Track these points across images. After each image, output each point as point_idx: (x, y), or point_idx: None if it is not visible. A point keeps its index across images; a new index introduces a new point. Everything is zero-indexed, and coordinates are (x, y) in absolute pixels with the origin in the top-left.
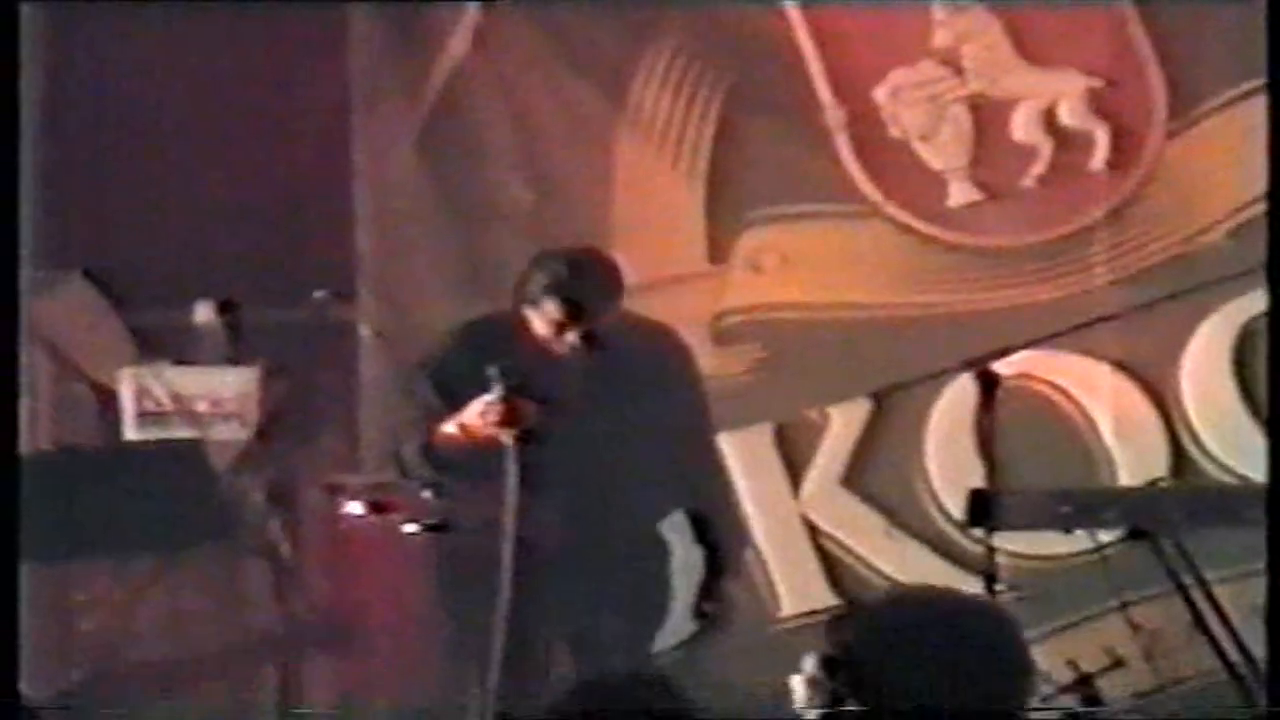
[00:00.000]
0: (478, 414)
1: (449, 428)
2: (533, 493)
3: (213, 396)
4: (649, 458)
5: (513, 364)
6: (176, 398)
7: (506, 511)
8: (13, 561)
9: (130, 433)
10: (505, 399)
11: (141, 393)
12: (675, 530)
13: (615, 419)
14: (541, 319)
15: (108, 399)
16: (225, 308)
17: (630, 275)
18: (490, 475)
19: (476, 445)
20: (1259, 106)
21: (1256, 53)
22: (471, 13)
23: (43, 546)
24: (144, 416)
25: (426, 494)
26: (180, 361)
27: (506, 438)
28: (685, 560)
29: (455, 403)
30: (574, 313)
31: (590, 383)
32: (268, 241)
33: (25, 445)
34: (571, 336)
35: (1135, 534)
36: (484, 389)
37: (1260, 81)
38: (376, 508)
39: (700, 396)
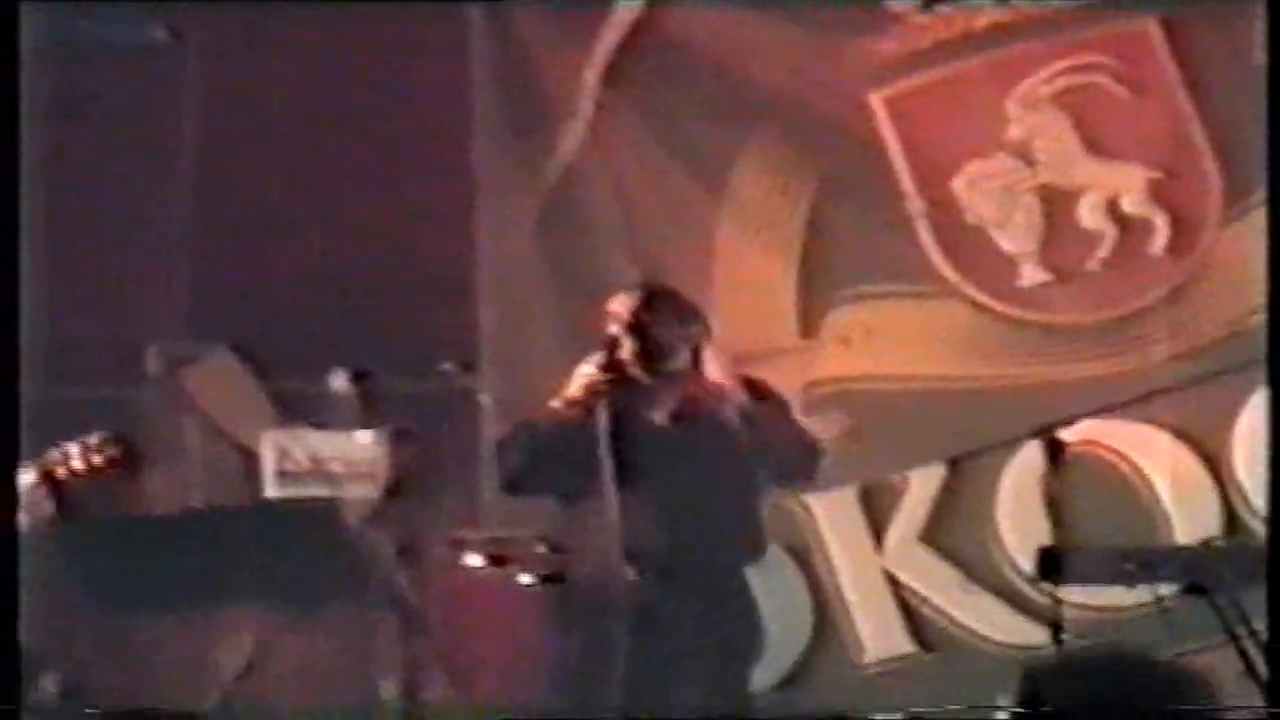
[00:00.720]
0: (579, 381)
1: (554, 403)
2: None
3: (346, 458)
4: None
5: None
6: (313, 459)
7: (605, 486)
8: (13, 565)
9: (271, 491)
10: (607, 357)
11: (282, 454)
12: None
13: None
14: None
15: (251, 460)
16: (358, 377)
17: (728, 348)
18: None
19: (577, 418)
20: None
21: None
22: (586, 106)
23: (189, 598)
24: (284, 476)
25: (540, 544)
26: (317, 426)
27: (602, 404)
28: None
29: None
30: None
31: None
32: (398, 315)
33: (175, 505)
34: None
35: (1192, 589)
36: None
37: None
38: (495, 560)
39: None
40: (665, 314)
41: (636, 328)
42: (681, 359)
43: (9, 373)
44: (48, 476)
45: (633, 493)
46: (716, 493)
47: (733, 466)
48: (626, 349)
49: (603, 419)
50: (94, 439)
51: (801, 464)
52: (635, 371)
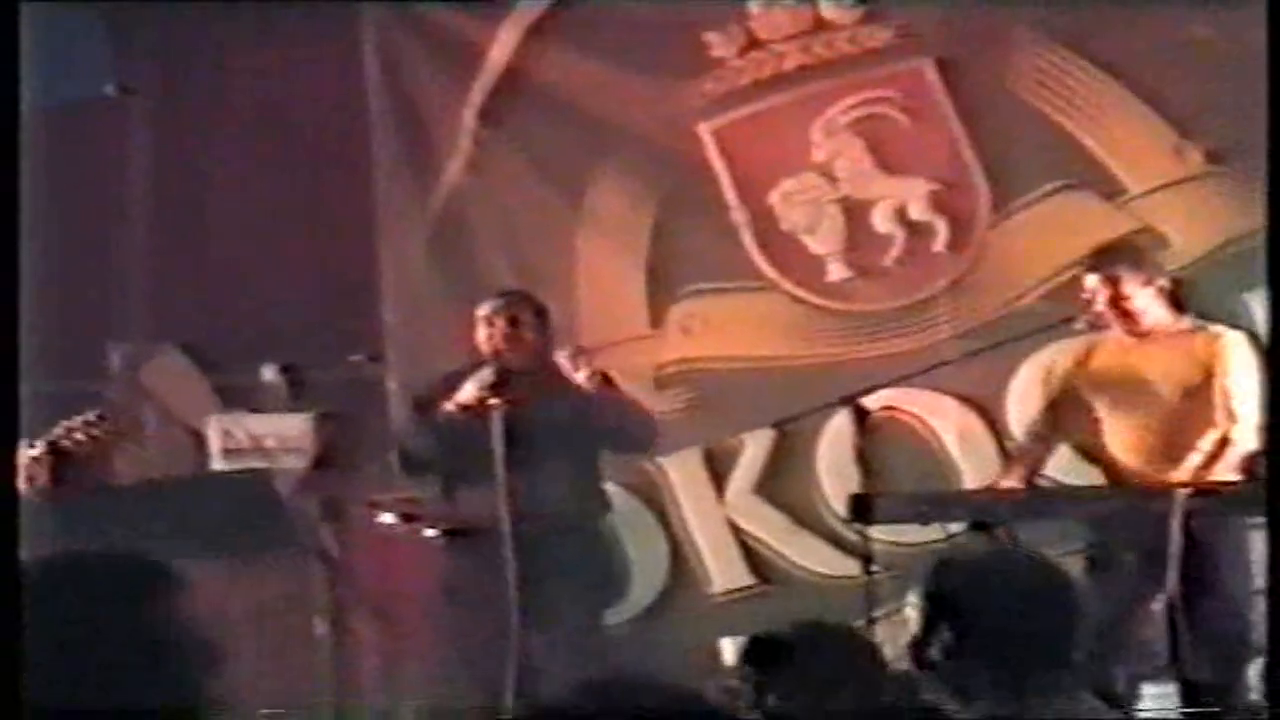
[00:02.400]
0: (475, 387)
1: (448, 406)
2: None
3: (278, 436)
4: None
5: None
6: (251, 438)
7: (497, 473)
8: (13, 564)
9: (216, 465)
10: (493, 371)
11: (225, 434)
12: None
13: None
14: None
15: (199, 440)
16: (285, 369)
17: (591, 337)
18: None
19: (472, 415)
20: (1058, 202)
21: (1055, 161)
22: (466, 139)
23: (151, 554)
24: (227, 453)
25: (441, 503)
26: (253, 410)
27: (496, 403)
28: None
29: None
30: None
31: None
32: (316, 317)
33: (134, 478)
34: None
35: (976, 525)
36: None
37: (1058, 183)
38: (406, 518)
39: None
40: (529, 316)
41: (511, 335)
42: (537, 353)
43: (9, 373)
44: (53, 448)
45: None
46: (570, 462)
47: (583, 441)
48: (509, 363)
49: (497, 424)
50: (93, 415)
51: (639, 437)
52: (514, 383)
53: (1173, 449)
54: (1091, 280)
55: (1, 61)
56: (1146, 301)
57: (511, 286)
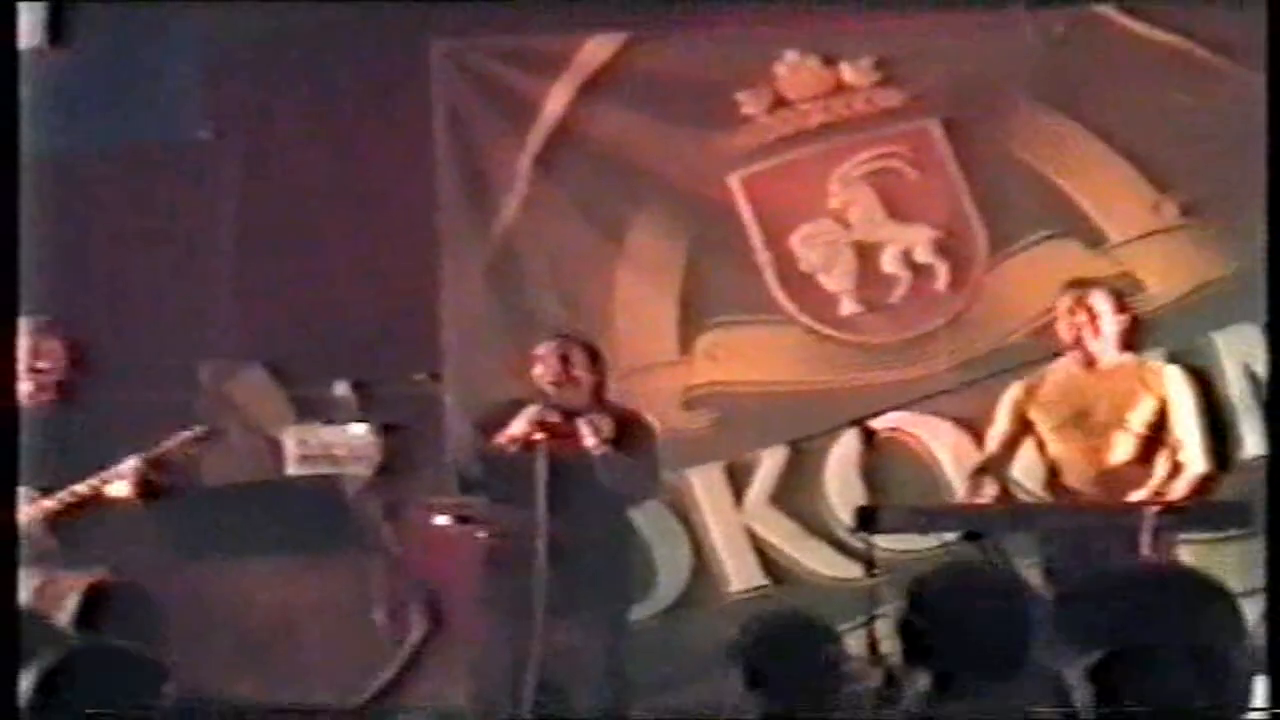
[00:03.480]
0: (524, 422)
1: (500, 439)
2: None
3: (347, 445)
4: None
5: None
6: (323, 446)
7: (538, 502)
8: (12, 565)
9: (292, 470)
10: (542, 411)
11: (300, 443)
12: None
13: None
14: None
15: (276, 447)
16: (355, 385)
17: (630, 361)
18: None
19: (519, 448)
20: (1047, 249)
21: (1045, 212)
22: (521, 183)
23: (234, 549)
24: (302, 459)
25: (490, 509)
26: (326, 421)
27: (539, 437)
28: None
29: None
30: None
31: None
32: (383, 339)
33: (219, 481)
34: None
35: (968, 536)
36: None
37: (1047, 232)
38: (460, 520)
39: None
40: (581, 356)
41: (563, 374)
42: (589, 391)
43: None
44: (156, 460)
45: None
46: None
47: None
48: (561, 400)
49: (541, 461)
50: (198, 429)
51: (642, 484)
52: (558, 421)
53: (1115, 471)
54: (1066, 300)
55: (2, 62)
56: (1111, 329)
57: (565, 327)
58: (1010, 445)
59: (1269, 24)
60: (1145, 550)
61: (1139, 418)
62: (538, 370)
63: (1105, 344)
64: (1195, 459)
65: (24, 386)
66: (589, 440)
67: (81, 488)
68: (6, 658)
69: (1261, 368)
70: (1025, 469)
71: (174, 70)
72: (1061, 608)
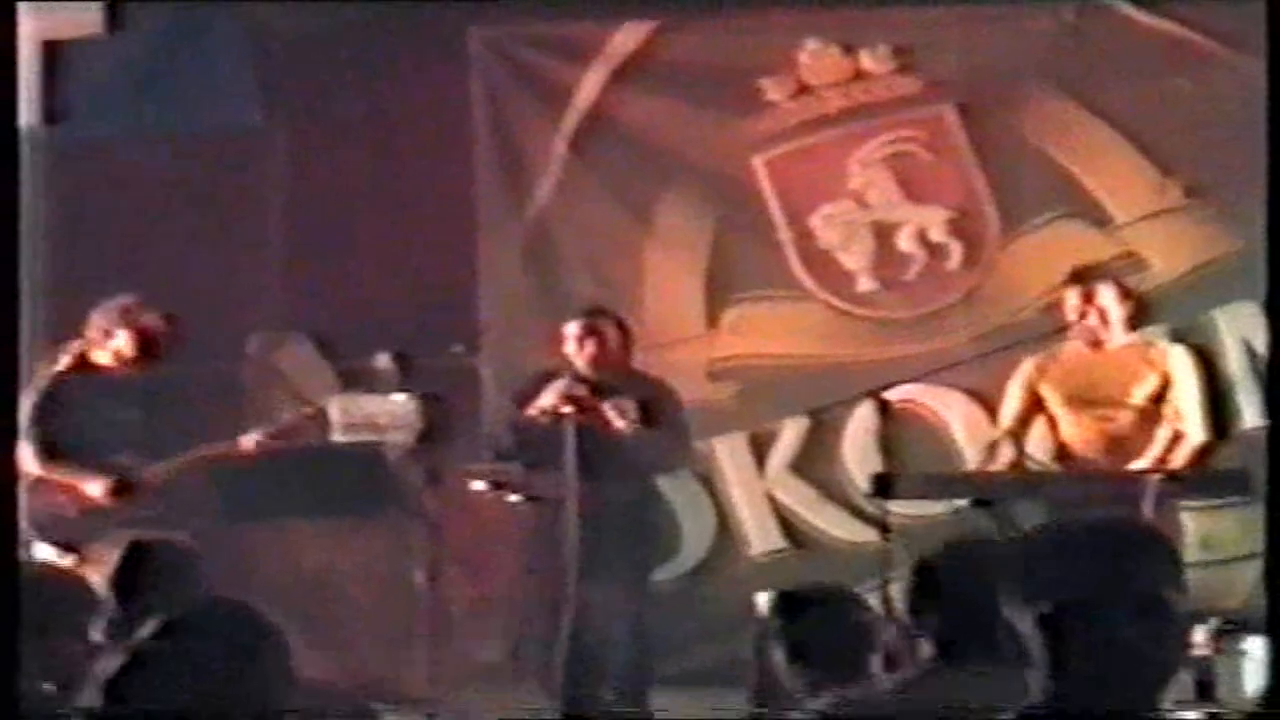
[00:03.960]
0: (554, 394)
1: (531, 411)
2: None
3: (389, 414)
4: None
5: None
6: (366, 416)
7: (567, 471)
8: (13, 564)
9: (337, 438)
10: (569, 385)
11: (344, 412)
12: None
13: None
14: (574, 344)
15: (322, 417)
16: (397, 357)
17: (658, 335)
18: (546, 459)
19: (549, 421)
20: (1056, 229)
21: (1054, 194)
22: (556, 165)
23: (283, 512)
24: (346, 428)
25: (524, 475)
26: (368, 391)
27: (568, 410)
28: None
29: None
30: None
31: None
32: (423, 313)
33: (262, 446)
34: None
35: (977, 502)
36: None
37: (1057, 212)
38: (495, 485)
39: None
40: (611, 330)
41: (594, 348)
42: (619, 362)
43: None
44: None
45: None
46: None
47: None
48: (583, 374)
49: (570, 433)
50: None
51: (671, 455)
52: (584, 393)
53: (1121, 443)
54: (1073, 295)
55: (2, 62)
56: (1117, 317)
57: (594, 301)
58: (1023, 420)
59: (1268, 11)
60: (1147, 515)
61: (1143, 393)
62: (568, 345)
63: (1112, 329)
64: (1195, 430)
65: (110, 360)
66: (617, 423)
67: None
68: (7, 657)
69: (1260, 343)
70: (1035, 442)
71: (227, 60)
72: (1018, 561)
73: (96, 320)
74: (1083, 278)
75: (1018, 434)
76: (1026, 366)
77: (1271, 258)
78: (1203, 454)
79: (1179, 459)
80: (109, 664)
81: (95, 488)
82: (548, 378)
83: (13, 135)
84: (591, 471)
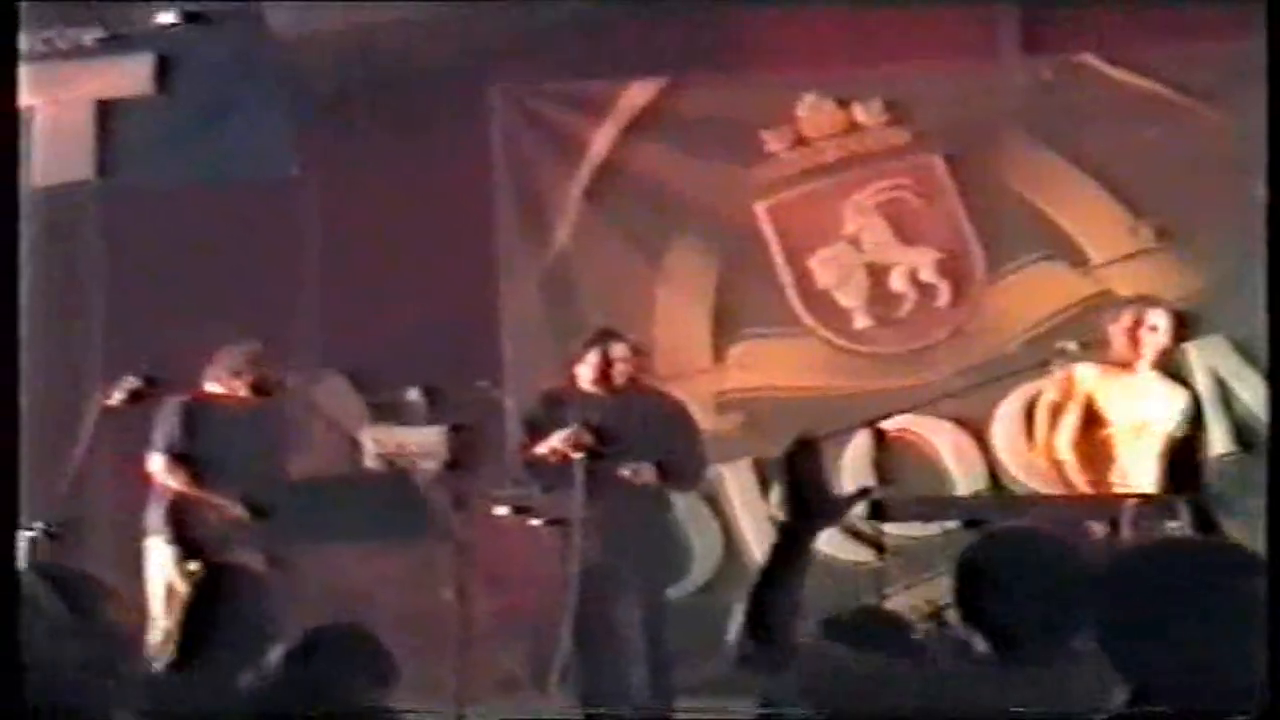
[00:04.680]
0: (561, 440)
1: (542, 449)
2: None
3: (419, 444)
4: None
5: (578, 411)
6: (398, 445)
7: (574, 509)
8: (12, 566)
9: (369, 465)
10: (576, 432)
11: (376, 442)
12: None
13: (640, 441)
14: (586, 367)
15: (356, 446)
16: (426, 391)
17: (668, 369)
18: (565, 483)
19: (559, 461)
20: (1037, 270)
21: (1036, 237)
22: (572, 210)
23: (319, 536)
24: (378, 456)
25: (544, 501)
26: (399, 423)
27: (578, 456)
28: None
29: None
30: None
31: (625, 417)
32: (450, 350)
33: (301, 474)
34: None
35: (968, 524)
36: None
37: (1038, 254)
38: (517, 510)
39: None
40: (621, 351)
41: (605, 370)
42: (629, 380)
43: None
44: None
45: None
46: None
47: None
48: (586, 433)
49: (579, 474)
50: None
51: (690, 467)
52: (590, 440)
53: (1119, 465)
54: (1127, 316)
55: (1, 63)
56: (1157, 346)
57: (604, 326)
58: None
59: (1269, 24)
60: (1126, 535)
61: (1157, 425)
62: (581, 368)
63: (1145, 358)
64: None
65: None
66: (634, 481)
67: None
68: (7, 656)
69: (1226, 374)
70: (1027, 466)
71: (265, 115)
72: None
73: (223, 360)
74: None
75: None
76: (1047, 387)
77: (1271, 265)
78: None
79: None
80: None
81: (238, 508)
82: (557, 399)
83: (13, 141)
84: (603, 500)
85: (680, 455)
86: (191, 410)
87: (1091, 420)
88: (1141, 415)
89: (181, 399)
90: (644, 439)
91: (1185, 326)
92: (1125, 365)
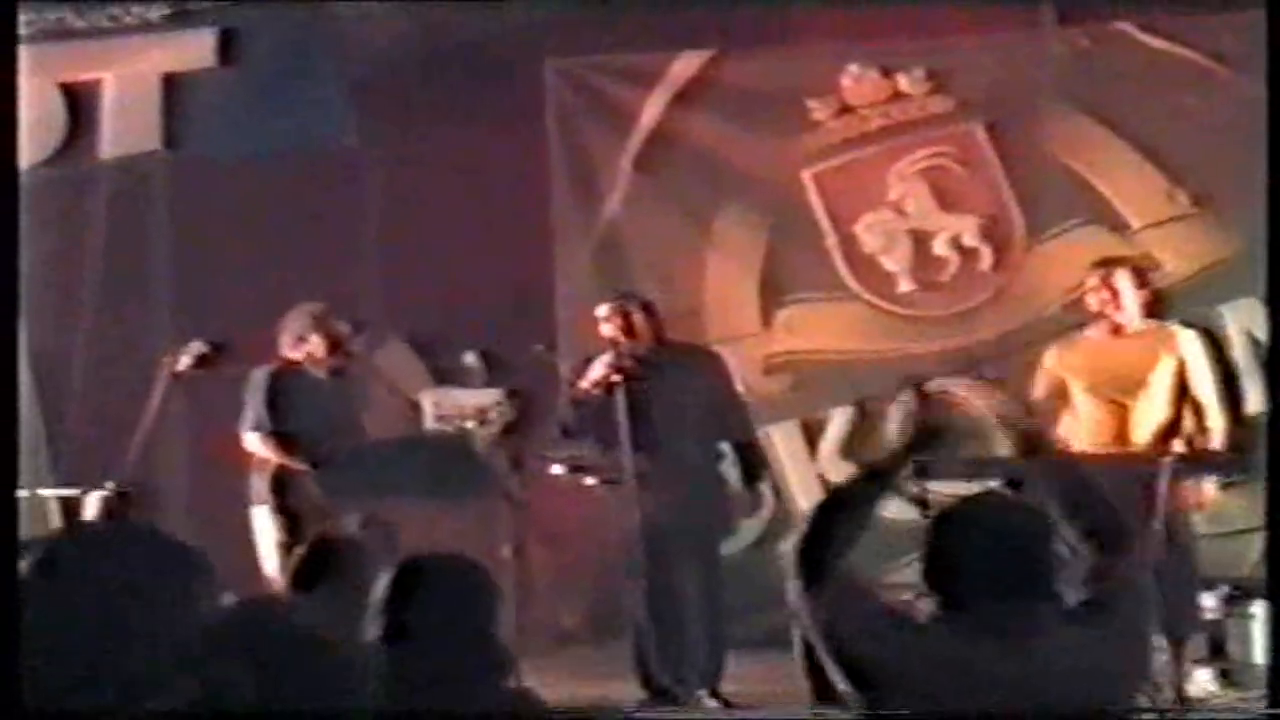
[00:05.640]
0: (601, 367)
1: (584, 384)
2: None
3: (476, 406)
4: (699, 415)
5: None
6: (456, 407)
7: (621, 438)
8: (13, 565)
9: (429, 427)
10: (615, 358)
11: (436, 405)
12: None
13: (681, 396)
14: (609, 326)
15: (416, 409)
16: (483, 355)
17: (717, 333)
18: (609, 436)
19: (601, 391)
20: (1076, 234)
21: (1075, 202)
22: (623, 180)
23: (384, 492)
24: (438, 419)
25: (598, 457)
26: (458, 386)
27: (619, 380)
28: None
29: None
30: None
31: (659, 366)
32: (507, 316)
33: (368, 438)
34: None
35: (1010, 484)
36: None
37: (1077, 220)
38: (573, 469)
39: (729, 382)
40: (637, 309)
41: (626, 328)
42: (651, 336)
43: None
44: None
45: (642, 430)
46: (692, 425)
47: (696, 407)
48: (625, 348)
49: (620, 397)
50: None
51: (735, 416)
52: (630, 364)
53: (1140, 425)
54: (1094, 278)
55: (1, 63)
56: (1133, 302)
57: (620, 288)
58: (1049, 404)
59: (1269, 24)
60: (1162, 495)
61: (1160, 377)
62: (604, 327)
63: (1129, 314)
64: (1214, 412)
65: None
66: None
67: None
68: (7, 656)
69: (1262, 334)
70: (1067, 426)
71: (325, 87)
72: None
73: (290, 325)
74: (1103, 265)
75: (1046, 417)
76: (1049, 355)
77: (1272, 253)
78: (1221, 434)
79: (1204, 441)
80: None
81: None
82: (590, 360)
83: (12, 139)
84: (656, 446)
85: (721, 401)
86: (275, 382)
87: (1100, 384)
88: (1138, 374)
89: (266, 370)
90: (683, 387)
91: (1146, 281)
92: (1116, 330)
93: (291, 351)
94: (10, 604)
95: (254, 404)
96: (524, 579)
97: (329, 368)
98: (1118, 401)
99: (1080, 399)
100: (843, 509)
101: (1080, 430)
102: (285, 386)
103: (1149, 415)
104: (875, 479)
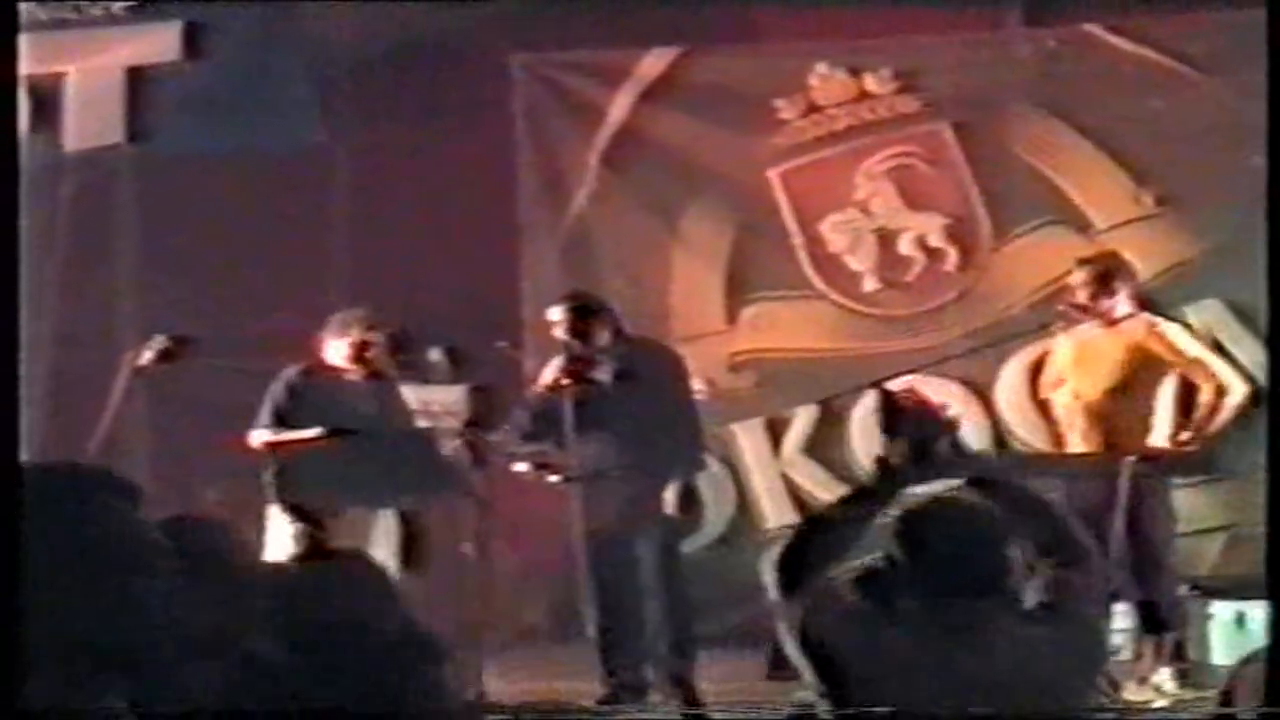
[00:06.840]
0: (552, 371)
1: (537, 388)
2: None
3: (441, 403)
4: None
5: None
6: (421, 403)
7: (567, 441)
8: (13, 563)
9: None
10: (569, 361)
11: None
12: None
13: (633, 394)
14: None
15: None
16: (448, 351)
17: (683, 331)
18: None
19: (554, 395)
20: (1042, 235)
21: (1041, 203)
22: (590, 178)
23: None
24: None
25: (561, 455)
26: (423, 382)
27: (569, 384)
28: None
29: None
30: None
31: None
32: (471, 311)
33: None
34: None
35: (972, 482)
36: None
37: (1043, 220)
38: (537, 467)
39: (686, 382)
40: (588, 312)
41: (578, 330)
42: (604, 335)
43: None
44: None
45: (594, 429)
46: (647, 423)
47: (664, 403)
48: (576, 350)
49: (567, 400)
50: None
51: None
52: (578, 366)
53: (1132, 414)
54: (1081, 274)
55: (1, 63)
56: (1123, 293)
57: (569, 288)
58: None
59: (1269, 24)
60: (1123, 494)
61: (1149, 369)
62: (557, 330)
63: (1119, 305)
64: (1236, 389)
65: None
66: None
67: None
68: (7, 655)
69: (1224, 336)
70: (1031, 425)
71: (292, 83)
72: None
73: (333, 327)
74: (1089, 261)
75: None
76: (1061, 344)
77: (1271, 253)
78: (1247, 407)
79: (1219, 421)
80: None
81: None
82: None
83: (12, 138)
84: (600, 440)
85: (673, 393)
86: (302, 381)
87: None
88: (1128, 366)
89: (297, 368)
90: (638, 386)
91: (1111, 278)
92: (1110, 322)
93: (328, 353)
94: (10, 604)
95: (270, 401)
96: (487, 576)
97: (366, 373)
98: (1110, 394)
99: (1077, 389)
100: (830, 529)
101: (1070, 423)
102: (312, 386)
103: (1135, 407)
104: (865, 500)
